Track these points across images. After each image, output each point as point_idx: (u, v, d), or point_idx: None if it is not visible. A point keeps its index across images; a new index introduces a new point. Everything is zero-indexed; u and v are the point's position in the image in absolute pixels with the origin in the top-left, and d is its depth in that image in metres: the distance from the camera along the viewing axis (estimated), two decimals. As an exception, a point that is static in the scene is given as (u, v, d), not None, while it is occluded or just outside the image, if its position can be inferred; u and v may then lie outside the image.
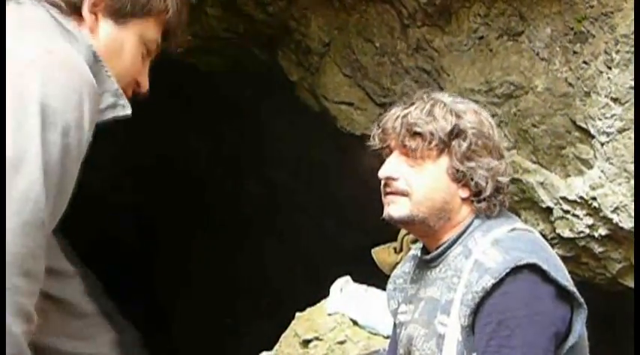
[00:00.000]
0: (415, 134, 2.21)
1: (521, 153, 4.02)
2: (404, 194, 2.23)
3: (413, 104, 2.27)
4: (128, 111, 1.70)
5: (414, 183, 2.22)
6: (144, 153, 8.62)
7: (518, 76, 3.90)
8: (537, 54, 3.82)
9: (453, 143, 2.20)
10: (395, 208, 2.24)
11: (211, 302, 9.06)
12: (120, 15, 1.65)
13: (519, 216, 3.96)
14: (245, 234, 8.86)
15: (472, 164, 2.20)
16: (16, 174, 1.35)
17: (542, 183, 3.96)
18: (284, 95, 5.62)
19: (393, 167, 2.25)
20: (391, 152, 2.29)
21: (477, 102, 3.89)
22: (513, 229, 2.21)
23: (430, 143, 2.19)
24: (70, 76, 1.46)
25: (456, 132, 2.20)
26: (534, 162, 3.99)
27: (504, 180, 2.25)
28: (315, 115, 5.30)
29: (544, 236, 3.89)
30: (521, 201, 4.12)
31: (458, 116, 2.22)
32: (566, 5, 3.64)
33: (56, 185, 1.42)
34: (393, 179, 2.24)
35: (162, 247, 9.68)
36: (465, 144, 2.20)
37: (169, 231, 9.49)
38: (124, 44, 1.67)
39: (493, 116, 3.84)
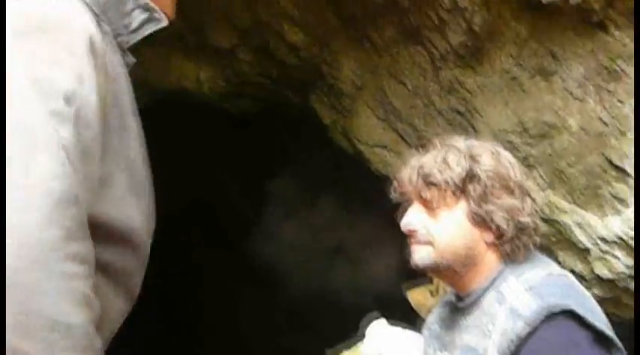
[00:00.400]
0: (430, 184, 2.21)
1: (557, 194, 3.98)
2: (427, 243, 2.22)
3: (428, 152, 2.27)
4: (164, 22, 1.61)
5: (435, 232, 2.22)
6: (178, 197, 8.65)
7: (552, 116, 3.87)
8: (571, 93, 3.79)
9: (469, 187, 2.19)
10: (419, 257, 2.25)
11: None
12: None
13: (556, 257, 3.91)
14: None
15: (490, 206, 2.19)
16: (31, 155, 1.22)
17: (579, 224, 3.91)
18: (317, 137, 5.63)
19: (413, 218, 2.26)
20: (411, 202, 2.29)
21: (510, 142, 3.89)
22: (549, 274, 2.18)
23: (446, 191, 2.20)
24: (56, 37, 1.33)
25: (471, 177, 2.20)
26: (570, 202, 3.94)
27: (526, 219, 2.22)
28: (347, 157, 5.30)
29: (582, 277, 3.84)
30: (557, 242, 4.07)
31: (473, 160, 2.22)
32: (598, 44, 3.62)
33: (80, 152, 1.30)
34: (415, 229, 2.25)
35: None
36: (480, 188, 2.18)
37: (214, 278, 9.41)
38: None
39: (527, 157, 3.82)
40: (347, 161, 5.43)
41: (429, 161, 2.24)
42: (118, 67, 1.49)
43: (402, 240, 2.34)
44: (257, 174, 8.25)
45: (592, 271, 3.96)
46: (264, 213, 8.61)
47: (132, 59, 1.60)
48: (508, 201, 2.20)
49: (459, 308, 2.32)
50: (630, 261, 3.76)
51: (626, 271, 3.80)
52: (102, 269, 1.40)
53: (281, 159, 7.61)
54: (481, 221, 2.19)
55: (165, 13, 1.62)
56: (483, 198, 2.18)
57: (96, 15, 1.44)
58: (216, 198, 8.95)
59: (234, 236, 8.94)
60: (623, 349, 2.06)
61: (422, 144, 2.37)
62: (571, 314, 2.02)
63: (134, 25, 1.53)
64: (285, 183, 7.94)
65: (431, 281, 4.40)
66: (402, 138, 4.72)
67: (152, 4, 1.55)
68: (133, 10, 1.51)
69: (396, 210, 2.36)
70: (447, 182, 2.19)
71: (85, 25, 1.39)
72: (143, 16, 1.54)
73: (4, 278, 1.14)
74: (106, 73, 1.40)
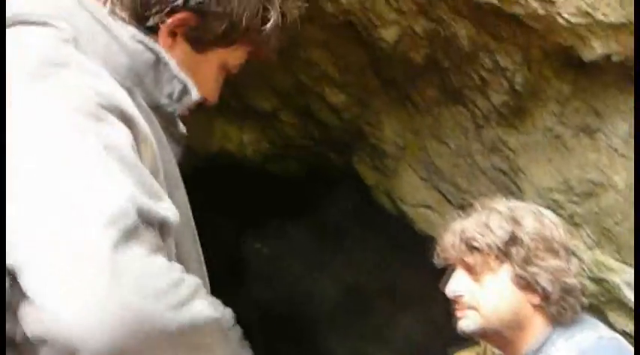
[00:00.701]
0: (473, 249, 2.19)
1: (605, 252, 3.91)
2: (472, 308, 2.19)
3: (469, 216, 2.25)
4: (197, 96, 1.49)
5: (480, 298, 2.19)
6: (222, 260, 8.65)
7: (597, 174, 3.82)
8: (615, 150, 3.75)
9: (512, 251, 2.16)
10: (465, 323, 2.22)
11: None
12: (202, 43, 1.46)
13: (606, 318, 3.83)
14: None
15: (534, 269, 2.15)
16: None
17: (628, 283, 3.83)
18: (360, 198, 5.62)
19: (457, 284, 2.23)
20: (455, 266, 2.27)
21: (555, 201, 3.85)
22: (600, 337, 2.13)
23: (489, 256, 2.17)
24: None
25: (513, 240, 2.17)
26: (619, 261, 3.87)
27: (573, 280, 2.18)
28: (391, 218, 5.28)
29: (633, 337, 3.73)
30: (607, 302, 3.98)
31: (515, 223, 2.19)
32: (642, 100, 3.59)
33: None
34: (460, 296, 2.22)
35: None
36: (523, 251, 2.15)
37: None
38: (201, 68, 1.48)
39: (573, 215, 3.77)
40: (390, 221, 5.40)
41: (470, 225, 2.22)
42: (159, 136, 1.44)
43: (448, 301, 2.31)
44: (299, 236, 8.23)
45: (644, 332, 3.86)
46: (306, 273, 8.58)
47: (182, 129, 1.55)
48: (553, 262, 2.16)
49: (509, 373, 2.28)
50: (683, 321, 3.66)
51: (680, 332, 3.70)
52: None
53: (323, 220, 7.58)
54: (526, 284, 2.16)
55: (206, 98, 1.57)
56: (527, 260, 2.15)
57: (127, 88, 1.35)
58: (261, 258, 8.93)
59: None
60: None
61: (463, 207, 2.35)
62: (623, 381, 1.97)
63: (176, 94, 1.46)
64: (330, 244, 7.90)
65: (478, 343, 4.32)
66: (446, 197, 4.70)
67: (184, 76, 1.45)
68: (171, 79, 1.43)
69: (442, 271, 2.34)
70: (489, 246, 2.16)
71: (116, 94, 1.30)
72: (180, 86, 1.45)
73: (4, 278, 1.09)
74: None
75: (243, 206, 6.98)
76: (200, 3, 1.40)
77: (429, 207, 4.82)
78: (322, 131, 5.18)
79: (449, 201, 4.67)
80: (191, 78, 1.45)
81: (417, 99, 4.54)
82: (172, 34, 1.43)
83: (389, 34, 4.20)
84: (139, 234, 1.08)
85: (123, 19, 1.39)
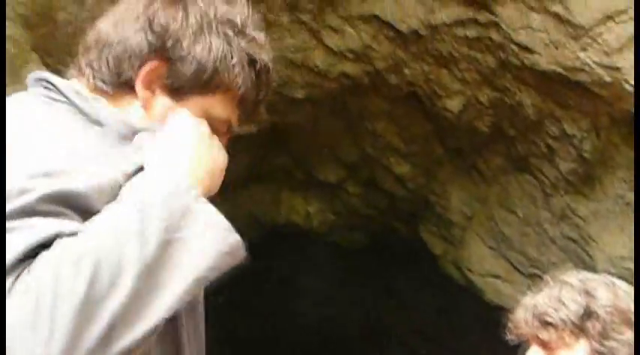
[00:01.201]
0: (547, 324, 2.13)
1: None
2: None
3: (541, 291, 2.20)
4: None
5: None
6: (291, 330, 8.62)
7: (672, 241, 3.74)
8: (690, 217, 3.67)
9: (588, 325, 2.10)
10: None
11: None
12: (179, 92, 1.44)
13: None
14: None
15: (613, 343, 2.08)
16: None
17: None
18: (427, 268, 5.57)
19: None
20: (529, 343, 2.22)
21: (628, 269, 3.76)
22: None
23: (564, 331, 2.11)
24: None
25: (588, 314, 2.10)
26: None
27: None
28: (459, 288, 5.21)
29: None
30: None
31: (588, 295, 2.13)
32: None
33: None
34: None
35: None
36: (599, 325, 2.09)
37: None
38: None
39: (648, 284, 3.67)
40: (458, 291, 5.33)
41: (542, 300, 2.16)
42: None
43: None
44: (368, 305, 8.18)
45: None
46: (374, 344, 8.49)
47: None
48: (631, 335, 2.10)
49: None
50: None
51: None
52: None
53: (391, 290, 7.54)
54: None
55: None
56: (604, 335, 2.08)
57: None
58: (331, 330, 8.88)
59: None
60: None
61: (533, 276, 2.31)
62: None
63: None
64: (398, 314, 7.83)
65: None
66: (515, 267, 4.63)
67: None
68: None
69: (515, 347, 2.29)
70: (563, 321, 2.10)
71: None
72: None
73: (4, 279, 1.12)
74: None
75: (310, 276, 6.97)
76: (166, 49, 1.43)
77: (498, 276, 4.76)
78: (388, 201, 5.18)
79: (518, 271, 4.60)
80: None
81: (483, 168, 4.51)
82: (149, 87, 1.44)
83: (453, 104, 4.21)
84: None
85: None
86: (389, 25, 3.92)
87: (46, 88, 1.44)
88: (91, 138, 1.35)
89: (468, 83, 4.09)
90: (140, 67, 1.43)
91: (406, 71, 4.14)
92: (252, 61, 1.47)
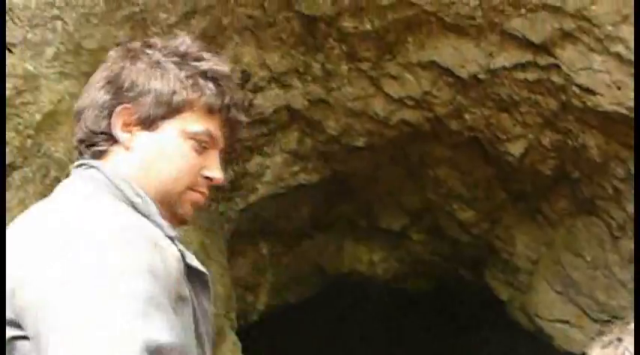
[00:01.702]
0: None
1: None
2: None
3: (609, 342, 2.17)
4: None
5: None
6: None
7: None
8: None
9: None
10: None
11: None
12: (151, 123, 1.59)
13: None
14: None
15: None
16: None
17: None
18: (494, 315, 5.49)
19: None
20: None
21: None
22: None
23: None
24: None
25: None
26: None
27: None
28: (528, 335, 5.12)
29: None
30: None
31: None
32: None
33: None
34: None
35: None
36: None
37: None
38: (165, 146, 1.59)
39: None
40: (526, 338, 5.24)
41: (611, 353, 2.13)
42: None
43: None
44: (434, 353, 8.06)
45: None
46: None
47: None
48: None
49: None
50: None
51: None
52: None
53: (457, 337, 7.43)
54: None
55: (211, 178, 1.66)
56: None
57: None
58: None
59: None
60: None
61: (602, 323, 2.27)
62: None
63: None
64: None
65: None
66: (584, 312, 4.53)
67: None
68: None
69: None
70: None
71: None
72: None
73: (4, 278, 1.17)
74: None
75: (375, 324, 6.93)
76: (125, 92, 1.59)
77: (566, 322, 4.66)
78: (452, 248, 5.14)
79: (588, 316, 4.50)
80: (165, 166, 1.59)
81: (547, 212, 4.46)
82: (126, 129, 1.59)
83: (515, 147, 4.19)
84: None
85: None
86: (448, 71, 3.93)
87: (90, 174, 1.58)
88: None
89: (530, 126, 4.06)
90: (110, 116, 1.58)
91: (466, 116, 4.13)
92: (203, 73, 1.61)
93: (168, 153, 1.59)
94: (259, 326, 5.21)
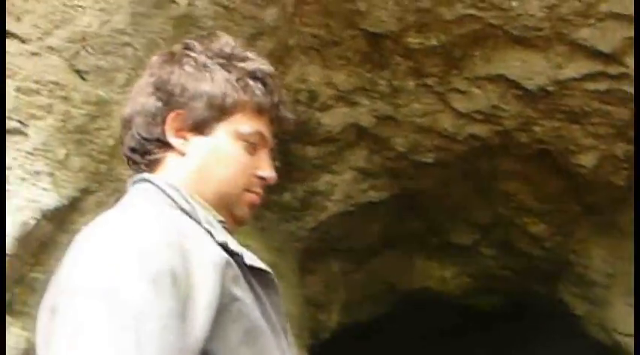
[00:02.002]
0: None
1: None
2: None
3: None
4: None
5: None
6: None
7: None
8: None
9: None
10: None
11: None
12: (204, 127, 1.59)
13: None
14: None
15: None
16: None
17: None
18: (569, 330, 5.41)
19: None
20: None
21: None
22: None
23: None
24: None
25: None
26: None
27: None
28: (605, 350, 5.02)
29: None
30: None
31: None
32: None
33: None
34: None
35: None
36: None
37: None
38: (219, 149, 1.60)
39: None
40: (602, 353, 5.14)
41: None
42: None
43: None
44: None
45: None
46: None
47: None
48: None
49: None
50: None
51: None
52: None
53: (531, 352, 7.33)
54: None
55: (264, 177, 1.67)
56: None
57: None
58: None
59: None
60: None
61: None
62: None
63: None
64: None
65: None
66: (663, 326, 4.43)
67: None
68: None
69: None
70: None
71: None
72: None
73: (4, 276, 1.17)
74: None
75: (447, 341, 6.87)
76: (175, 98, 1.59)
77: (645, 336, 4.56)
78: (524, 262, 5.09)
79: (667, 330, 4.40)
80: (222, 169, 1.60)
81: (622, 224, 4.38)
82: (179, 135, 1.59)
83: (587, 159, 4.13)
84: None
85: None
86: (516, 84, 3.89)
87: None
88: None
89: (602, 137, 4.00)
90: (163, 122, 1.58)
91: (536, 129, 4.09)
92: (251, 74, 1.62)
93: (223, 156, 1.60)
94: (331, 344, 5.21)
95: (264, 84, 1.63)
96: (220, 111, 1.60)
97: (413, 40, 3.72)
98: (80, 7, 2.87)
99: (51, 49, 2.84)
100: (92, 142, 2.87)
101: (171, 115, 1.58)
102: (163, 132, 1.59)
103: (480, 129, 4.12)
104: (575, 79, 3.83)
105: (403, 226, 4.96)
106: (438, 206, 4.77)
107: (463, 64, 3.86)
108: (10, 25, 2.80)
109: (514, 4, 3.60)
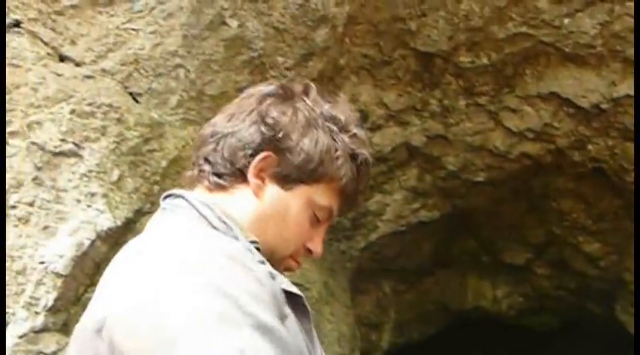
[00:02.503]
0: None
1: None
2: None
3: None
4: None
5: None
6: None
7: None
8: None
9: None
10: None
11: None
12: (287, 181, 1.57)
13: None
14: None
15: None
16: None
17: None
18: (624, 349, 5.31)
19: None
20: None
21: None
22: None
23: None
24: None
25: None
26: None
27: None
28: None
29: None
30: None
31: None
32: None
33: None
34: None
35: None
36: None
37: None
38: (290, 208, 1.58)
39: None
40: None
41: None
42: None
43: None
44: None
45: None
46: None
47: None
48: None
49: None
50: None
51: None
52: None
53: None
54: None
55: (310, 250, 1.66)
56: None
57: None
58: None
59: None
60: None
61: None
62: None
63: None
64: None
65: None
66: None
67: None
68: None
69: None
70: None
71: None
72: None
73: (4, 279, 1.15)
74: None
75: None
76: (277, 140, 1.56)
77: None
78: (578, 281, 5.02)
79: None
80: (281, 225, 1.58)
81: (680, 243, 4.29)
82: (259, 176, 1.57)
83: (642, 177, 4.07)
84: None
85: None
86: (568, 102, 3.85)
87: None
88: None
89: (657, 154, 3.94)
90: (253, 156, 1.57)
91: (590, 147, 4.04)
92: (353, 155, 1.61)
93: (289, 216, 1.59)
94: (384, 364, 5.19)
95: (359, 170, 1.63)
96: (309, 175, 1.58)
97: (464, 59, 3.71)
98: (133, 30, 2.92)
99: (104, 71, 2.88)
100: (145, 163, 2.90)
101: (263, 154, 1.57)
102: (247, 165, 1.58)
103: (532, 148, 4.08)
104: (629, 96, 3.78)
105: (455, 246, 4.93)
106: (490, 225, 4.73)
107: (515, 82, 3.84)
108: (65, 49, 2.86)
109: (566, 21, 3.57)
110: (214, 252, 1.36)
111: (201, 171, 1.61)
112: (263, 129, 1.57)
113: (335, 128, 1.59)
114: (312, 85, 1.66)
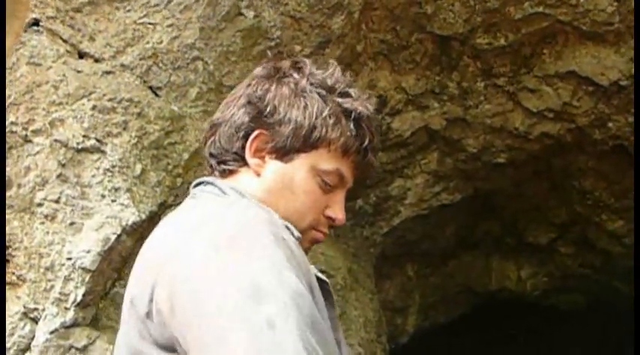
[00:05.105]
0: None
1: None
2: None
3: None
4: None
5: None
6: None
7: None
8: None
9: None
10: None
11: None
12: (285, 153, 1.58)
13: None
14: None
15: None
16: None
17: None
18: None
19: None
20: None
21: None
22: None
23: None
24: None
25: None
26: None
27: None
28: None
29: None
30: None
31: None
32: None
33: None
34: None
35: None
36: None
37: None
38: (294, 178, 1.58)
39: None
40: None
41: None
42: None
43: None
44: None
45: None
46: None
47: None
48: None
49: None
50: None
51: None
52: None
53: (619, 352, 7.18)
54: None
55: (332, 217, 1.65)
56: None
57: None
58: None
59: None
60: None
61: None
62: None
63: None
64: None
65: None
66: None
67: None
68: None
69: None
70: None
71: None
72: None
73: (4, 277, 1.17)
74: None
75: (526, 341, 6.79)
76: (264, 116, 1.59)
77: None
78: (603, 260, 5.00)
79: None
80: (290, 198, 1.58)
81: None
82: (258, 155, 1.60)
83: (664, 152, 4.05)
84: None
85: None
86: (588, 80, 3.84)
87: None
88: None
89: (679, 129, 3.92)
90: (246, 137, 1.60)
91: (610, 125, 4.02)
92: (347, 113, 1.61)
93: (296, 187, 1.59)
94: (409, 348, 5.20)
95: (358, 125, 1.61)
96: (305, 142, 1.58)
97: (481, 41, 3.70)
98: (150, 24, 2.93)
99: (124, 66, 2.91)
100: (167, 157, 2.93)
101: (255, 134, 1.59)
102: (243, 148, 1.60)
103: (552, 127, 4.07)
104: (649, 72, 3.76)
105: (478, 228, 4.92)
106: (513, 206, 4.72)
107: (533, 62, 3.82)
108: (84, 45, 2.88)
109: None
110: (253, 221, 1.39)
111: (210, 166, 1.66)
112: (249, 109, 1.60)
113: (324, 92, 1.60)
114: (304, 59, 1.68)
